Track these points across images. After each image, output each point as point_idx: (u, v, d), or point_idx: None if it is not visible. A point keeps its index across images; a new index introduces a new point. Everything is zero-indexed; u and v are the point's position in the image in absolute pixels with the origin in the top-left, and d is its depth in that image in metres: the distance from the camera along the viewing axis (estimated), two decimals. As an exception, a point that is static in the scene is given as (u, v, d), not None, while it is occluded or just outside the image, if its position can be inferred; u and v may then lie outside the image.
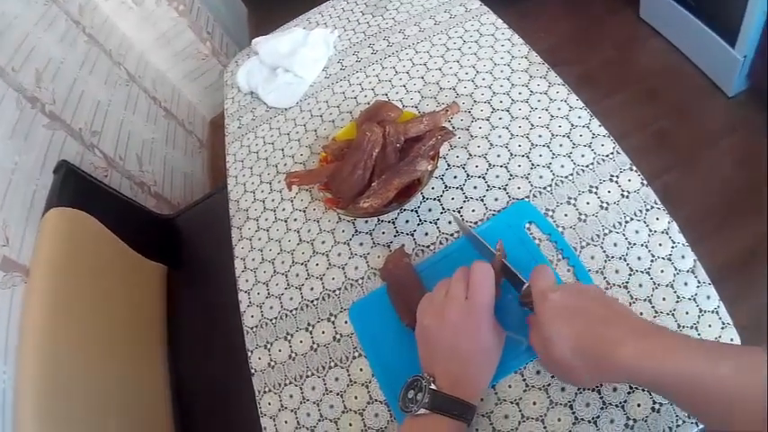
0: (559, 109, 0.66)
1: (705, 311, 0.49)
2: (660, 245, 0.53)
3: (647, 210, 0.56)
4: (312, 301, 0.63)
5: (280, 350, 0.62)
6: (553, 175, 0.61)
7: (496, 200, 0.61)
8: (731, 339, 0.48)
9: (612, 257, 0.54)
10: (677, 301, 0.50)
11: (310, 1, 1.06)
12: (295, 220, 0.71)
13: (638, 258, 0.53)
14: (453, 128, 0.69)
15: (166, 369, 0.92)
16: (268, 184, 0.78)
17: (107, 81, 1.49)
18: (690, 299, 0.50)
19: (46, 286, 0.76)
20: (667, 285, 0.51)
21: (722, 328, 0.48)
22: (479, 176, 0.64)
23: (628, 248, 0.54)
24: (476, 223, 0.60)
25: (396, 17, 0.90)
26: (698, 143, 1.43)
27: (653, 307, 0.50)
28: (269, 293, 0.66)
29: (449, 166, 0.66)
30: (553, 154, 0.63)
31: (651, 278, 0.52)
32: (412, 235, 0.63)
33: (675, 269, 0.52)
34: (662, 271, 0.52)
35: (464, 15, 0.84)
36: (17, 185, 0.92)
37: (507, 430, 0.48)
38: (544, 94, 0.68)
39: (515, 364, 0.50)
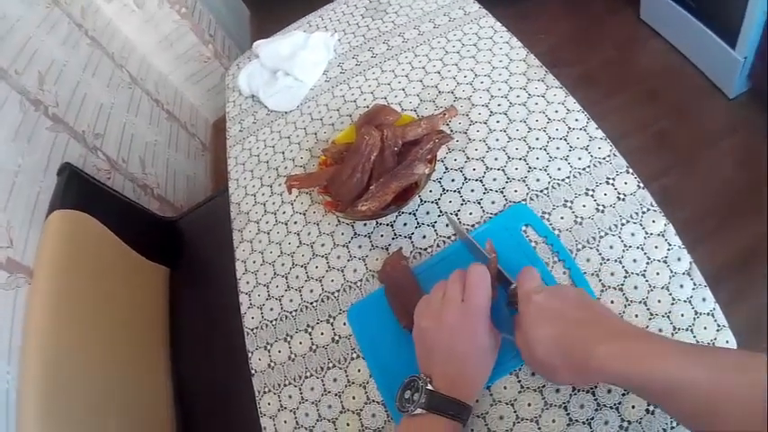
0: (557, 112, 0.67)
1: (701, 314, 0.49)
2: (656, 247, 0.53)
3: (644, 212, 0.56)
4: (311, 303, 0.64)
5: (279, 351, 0.62)
6: (550, 178, 0.61)
7: (493, 203, 0.62)
8: (726, 342, 0.48)
9: (608, 260, 0.54)
10: (672, 304, 0.50)
11: (311, 2, 1.06)
12: (295, 222, 0.72)
13: (634, 261, 0.53)
14: (451, 131, 0.70)
15: (167, 370, 0.93)
16: (269, 187, 0.78)
17: (110, 84, 1.50)
18: (685, 301, 0.50)
19: (49, 287, 0.77)
20: (663, 288, 0.51)
21: (717, 331, 0.48)
22: (477, 179, 0.64)
23: (623, 251, 0.54)
24: (473, 226, 0.61)
25: (395, 20, 0.91)
26: (698, 144, 1.43)
27: (648, 309, 0.50)
28: (269, 295, 0.67)
29: (446, 169, 0.67)
30: (550, 157, 0.63)
31: (647, 280, 0.52)
32: (410, 238, 0.63)
33: (671, 271, 0.52)
34: (657, 273, 0.52)
35: (463, 18, 0.85)
36: (21, 187, 0.93)
37: (502, 431, 0.49)
38: (542, 97, 0.69)
39: (510, 365, 0.51)
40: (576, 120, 0.65)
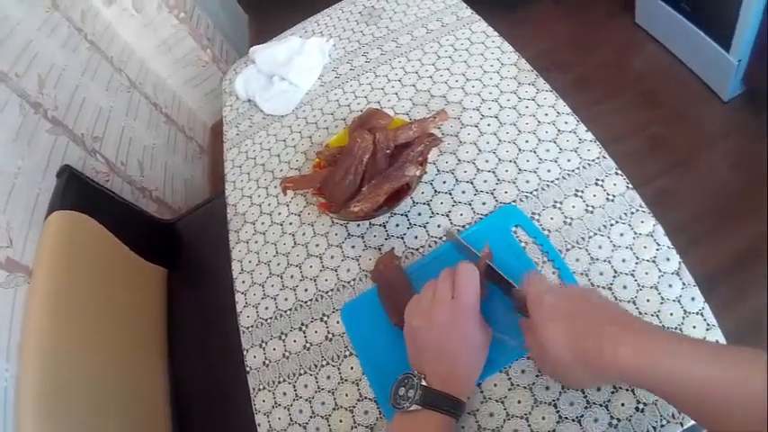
0: (546, 115, 0.68)
1: (690, 313, 0.50)
2: (645, 247, 0.54)
3: (632, 213, 0.57)
4: (306, 302, 0.65)
5: (274, 349, 0.63)
6: (539, 179, 0.62)
7: (484, 204, 0.63)
8: (716, 341, 0.48)
9: (597, 260, 0.55)
10: (662, 303, 0.51)
11: (309, 6, 1.08)
12: (290, 223, 0.73)
13: (623, 261, 0.54)
14: (443, 134, 0.71)
15: (165, 370, 0.93)
16: (265, 188, 0.79)
17: (108, 87, 1.51)
18: (674, 300, 0.50)
19: (48, 288, 0.78)
20: (652, 287, 0.52)
21: (707, 330, 0.49)
22: (467, 181, 0.65)
23: (612, 251, 0.55)
24: (463, 227, 0.62)
25: (389, 26, 0.92)
26: (693, 147, 1.44)
27: (637, 308, 0.51)
28: (264, 294, 0.68)
29: (438, 171, 0.68)
30: (540, 159, 0.64)
31: (636, 280, 0.52)
32: (402, 238, 0.64)
33: (660, 271, 0.52)
34: (646, 273, 0.53)
35: (455, 24, 0.86)
36: (20, 189, 0.94)
37: (492, 428, 0.49)
38: (532, 101, 0.70)
39: (501, 362, 0.52)
40: (566, 123, 0.66)
